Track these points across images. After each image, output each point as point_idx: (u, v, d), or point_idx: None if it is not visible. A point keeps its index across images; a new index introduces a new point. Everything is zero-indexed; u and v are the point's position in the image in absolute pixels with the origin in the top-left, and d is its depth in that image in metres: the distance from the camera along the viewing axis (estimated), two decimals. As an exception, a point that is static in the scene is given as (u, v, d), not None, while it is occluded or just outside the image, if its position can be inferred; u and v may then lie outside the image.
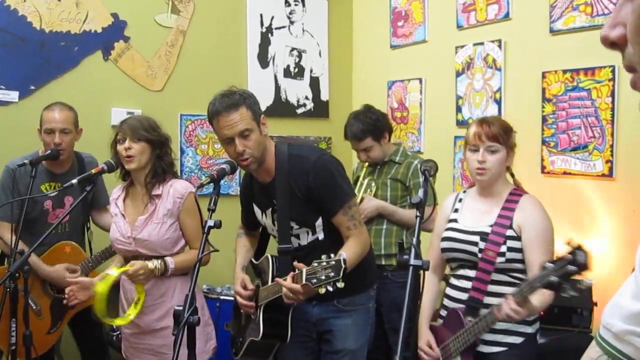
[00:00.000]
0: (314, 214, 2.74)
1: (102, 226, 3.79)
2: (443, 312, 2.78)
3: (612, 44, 0.79)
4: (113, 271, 2.83)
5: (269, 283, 2.77)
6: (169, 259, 2.92)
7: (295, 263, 2.53)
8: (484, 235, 2.59)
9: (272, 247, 3.04)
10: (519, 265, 2.58)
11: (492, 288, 2.58)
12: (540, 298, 2.39)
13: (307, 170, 2.68)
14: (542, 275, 2.17)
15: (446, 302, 2.76)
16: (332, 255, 2.35)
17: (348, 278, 2.48)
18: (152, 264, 2.87)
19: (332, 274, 2.28)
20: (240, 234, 3.14)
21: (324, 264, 2.32)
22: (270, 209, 2.83)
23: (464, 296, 2.64)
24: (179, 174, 3.15)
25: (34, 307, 3.48)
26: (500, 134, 2.60)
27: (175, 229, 2.96)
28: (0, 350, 3.38)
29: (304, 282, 2.36)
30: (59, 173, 3.60)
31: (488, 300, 2.56)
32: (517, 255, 2.57)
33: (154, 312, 2.96)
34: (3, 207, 3.31)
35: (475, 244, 2.60)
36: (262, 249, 3.14)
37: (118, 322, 2.97)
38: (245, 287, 2.81)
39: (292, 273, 2.49)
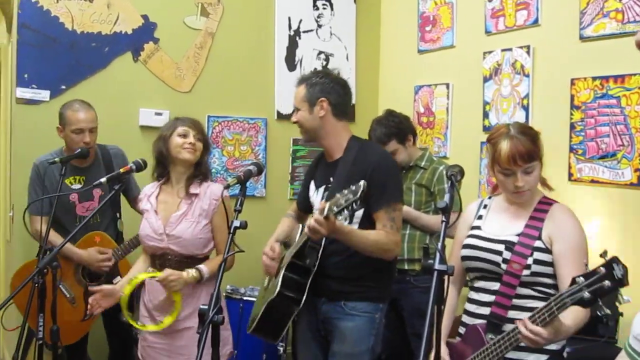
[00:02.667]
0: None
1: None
2: (460, 329, 2.57)
3: None
4: (142, 275, 2.90)
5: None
6: (204, 269, 2.96)
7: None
8: (509, 245, 2.39)
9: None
10: (545, 280, 2.37)
11: (515, 302, 2.37)
12: (573, 316, 2.18)
13: (371, 160, 2.81)
14: (573, 291, 1.95)
15: (465, 317, 2.56)
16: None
17: (363, 282, 2.73)
18: (188, 274, 2.91)
19: (351, 196, 2.36)
20: (288, 215, 3.24)
21: (345, 192, 2.40)
22: (324, 187, 2.92)
23: (484, 311, 2.45)
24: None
25: (68, 296, 3.58)
26: (533, 150, 2.38)
27: (208, 230, 3.02)
28: (32, 330, 3.43)
29: (325, 213, 2.43)
30: (83, 166, 3.69)
31: (512, 314, 2.36)
32: (545, 269, 2.36)
33: (179, 313, 2.97)
34: (34, 202, 3.45)
35: (499, 253, 2.41)
36: None
37: (150, 327, 2.97)
38: (273, 251, 2.90)
39: (320, 204, 2.56)
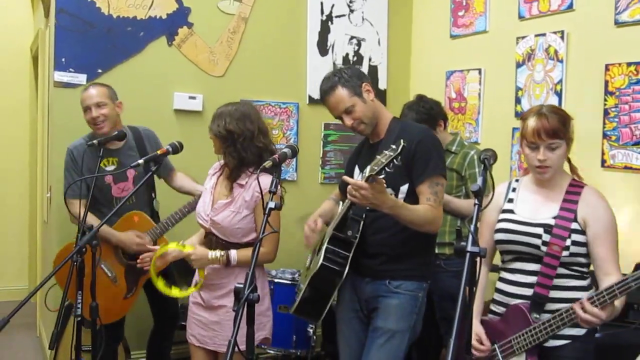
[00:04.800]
0: (403, 177, 2.82)
1: (178, 187, 3.98)
2: (496, 308, 2.67)
3: None
4: (172, 246, 3.06)
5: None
6: (232, 253, 2.99)
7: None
8: (547, 228, 2.49)
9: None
10: (581, 259, 2.49)
11: (556, 282, 2.48)
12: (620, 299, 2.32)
13: (414, 135, 2.82)
14: (638, 276, 2.13)
15: (499, 297, 2.66)
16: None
17: (406, 261, 2.79)
18: (213, 255, 2.98)
19: (391, 153, 2.43)
20: (330, 198, 3.28)
21: (385, 152, 2.47)
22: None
23: (522, 291, 2.55)
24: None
25: (110, 275, 3.67)
26: (559, 129, 2.47)
27: (250, 221, 3.02)
28: (70, 304, 3.60)
29: (367, 174, 2.47)
30: (114, 148, 3.73)
31: (553, 294, 2.48)
32: (581, 250, 2.47)
33: (217, 290, 3.06)
34: (71, 186, 3.49)
35: (539, 236, 2.50)
36: None
37: (174, 293, 3.12)
38: (315, 224, 2.97)
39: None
